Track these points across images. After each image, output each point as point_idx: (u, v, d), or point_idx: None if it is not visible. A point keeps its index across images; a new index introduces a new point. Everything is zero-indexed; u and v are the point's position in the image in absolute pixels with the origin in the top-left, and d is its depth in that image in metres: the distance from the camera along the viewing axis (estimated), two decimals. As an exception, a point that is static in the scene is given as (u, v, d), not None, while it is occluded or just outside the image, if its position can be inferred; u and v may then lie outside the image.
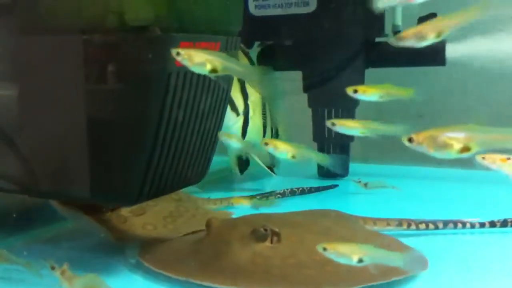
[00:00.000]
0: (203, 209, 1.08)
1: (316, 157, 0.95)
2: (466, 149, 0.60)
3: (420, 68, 1.46)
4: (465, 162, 1.55)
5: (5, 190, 0.86)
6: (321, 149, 1.46)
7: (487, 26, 1.52)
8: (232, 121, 1.26)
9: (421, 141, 0.60)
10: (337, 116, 1.42)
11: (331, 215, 0.97)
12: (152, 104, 0.78)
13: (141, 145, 0.79)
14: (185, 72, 0.81)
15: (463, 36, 1.36)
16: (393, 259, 0.67)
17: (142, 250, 0.87)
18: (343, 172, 1.45)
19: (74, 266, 0.70)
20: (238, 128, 1.29)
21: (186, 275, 0.77)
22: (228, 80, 0.94)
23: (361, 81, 1.43)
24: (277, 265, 0.77)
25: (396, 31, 1.40)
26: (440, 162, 1.60)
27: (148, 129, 0.79)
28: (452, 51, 1.36)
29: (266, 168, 1.38)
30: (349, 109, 1.44)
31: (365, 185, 1.24)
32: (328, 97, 1.44)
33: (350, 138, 1.43)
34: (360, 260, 0.64)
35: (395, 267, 0.70)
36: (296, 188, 1.28)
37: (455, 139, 0.60)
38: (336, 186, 1.35)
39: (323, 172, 1.46)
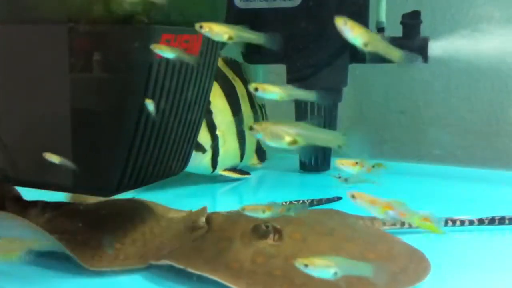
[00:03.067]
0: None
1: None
2: (294, 142, 0.69)
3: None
4: (445, 159, 1.57)
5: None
6: (302, 153, 1.46)
7: (471, 24, 1.55)
8: (198, 160, 1.23)
9: (260, 130, 0.68)
10: (319, 110, 1.43)
11: (333, 214, 0.94)
12: (134, 94, 0.79)
13: (121, 135, 0.80)
14: (167, 63, 0.81)
15: (447, 33, 1.38)
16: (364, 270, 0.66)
17: None
18: (325, 166, 1.46)
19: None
20: (206, 162, 1.28)
21: (191, 267, 0.76)
22: (211, 72, 0.95)
23: (344, 76, 1.44)
24: (279, 265, 0.75)
25: (380, 27, 1.41)
26: (420, 158, 1.63)
27: (129, 119, 0.79)
28: (436, 47, 1.37)
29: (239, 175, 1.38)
30: (331, 104, 1.45)
31: (345, 180, 1.25)
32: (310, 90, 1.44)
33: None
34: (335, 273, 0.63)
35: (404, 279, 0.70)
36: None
37: (286, 132, 0.68)
38: (339, 198, 1.21)
39: (305, 166, 1.47)
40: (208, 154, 1.28)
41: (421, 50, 1.35)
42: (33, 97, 0.81)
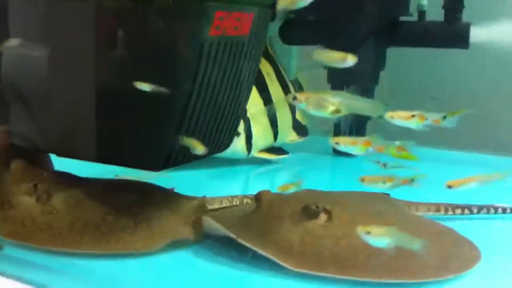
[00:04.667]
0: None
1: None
2: (337, 111, 0.70)
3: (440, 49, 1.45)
4: (476, 147, 1.55)
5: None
6: (337, 127, 1.46)
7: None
8: (233, 144, 1.14)
9: (304, 100, 0.70)
10: (355, 93, 1.42)
11: (379, 198, 0.93)
12: (185, 71, 0.78)
13: (171, 109, 0.80)
14: (218, 42, 0.81)
15: (487, 20, 1.36)
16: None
17: None
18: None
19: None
20: (241, 146, 1.26)
21: (242, 238, 0.76)
22: (259, 51, 0.94)
23: (382, 59, 1.43)
24: (328, 246, 0.75)
25: (421, 11, 1.40)
26: (450, 146, 1.62)
27: (179, 95, 0.79)
28: (474, 34, 1.35)
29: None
30: (368, 87, 1.44)
31: (384, 165, 1.24)
32: (348, 73, 1.43)
33: (367, 116, 1.43)
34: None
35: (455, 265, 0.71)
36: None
37: (329, 101, 0.70)
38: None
39: (338, 149, 1.46)
40: (242, 137, 1.26)
41: (463, 35, 1.34)
42: (83, 74, 0.82)
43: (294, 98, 0.70)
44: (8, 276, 0.75)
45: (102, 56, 0.79)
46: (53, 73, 0.84)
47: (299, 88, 1.51)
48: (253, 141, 1.29)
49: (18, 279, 0.74)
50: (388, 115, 0.72)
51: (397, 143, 0.73)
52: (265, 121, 1.34)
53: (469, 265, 0.75)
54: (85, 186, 0.89)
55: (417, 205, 0.94)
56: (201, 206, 0.90)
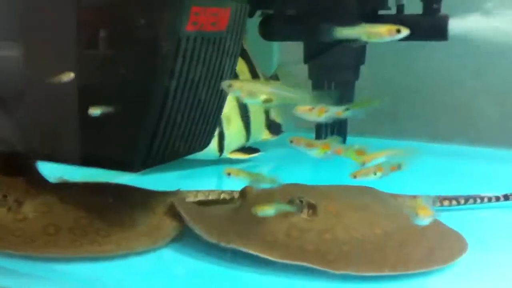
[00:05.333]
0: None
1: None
2: (267, 100, 0.72)
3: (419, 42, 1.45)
4: (455, 138, 1.54)
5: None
6: (319, 126, 1.45)
7: (489, 3, 1.52)
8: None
9: (237, 88, 0.71)
10: (336, 88, 1.41)
11: (365, 191, 0.93)
12: (162, 68, 0.77)
13: (149, 108, 0.78)
14: (195, 37, 0.80)
15: (465, 11, 1.36)
16: None
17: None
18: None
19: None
20: (213, 147, 1.23)
21: (221, 239, 0.76)
22: (237, 47, 0.93)
23: (362, 53, 1.43)
24: (312, 240, 0.75)
25: (399, 4, 1.39)
26: (434, 137, 1.61)
27: (156, 93, 0.78)
28: (453, 26, 1.35)
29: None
30: (348, 82, 1.43)
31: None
32: (328, 69, 1.43)
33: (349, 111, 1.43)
34: None
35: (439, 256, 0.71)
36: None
37: (261, 91, 0.71)
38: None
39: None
40: (215, 138, 1.22)
41: (441, 27, 1.34)
42: (59, 72, 0.80)
43: (229, 85, 0.71)
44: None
45: (78, 54, 0.78)
46: (29, 73, 0.82)
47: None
48: (225, 141, 1.27)
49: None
50: (297, 110, 0.74)
51: (356, 146, 0.73)
52: (238, 121, 1.33)
53: (454, 256, 0.75)
54: (58, 191, 0.87)
55: (403, 197, 0.94)
56: (179, 200, 0.89)
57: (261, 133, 1.41)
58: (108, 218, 0.82)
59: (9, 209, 0.81)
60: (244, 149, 1.35)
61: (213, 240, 0.76)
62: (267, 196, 0.82)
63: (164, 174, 1.17)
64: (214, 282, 0.74)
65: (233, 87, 0.71)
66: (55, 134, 0.82)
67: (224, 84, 0.72)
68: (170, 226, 0.84)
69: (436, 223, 0.84)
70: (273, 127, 1.45)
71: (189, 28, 0.78)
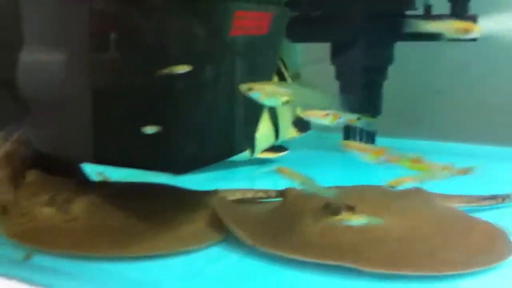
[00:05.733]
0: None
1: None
2: (288, 101, 0.72)
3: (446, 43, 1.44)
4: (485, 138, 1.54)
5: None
6: (347, 127, 1.46)
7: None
8: None
9: (258, 90, 0.71)
10: (365, 88, 1.42)
11: (412, 193, 0.92)
12: (209, 72, 0.78)
13: (196, 113, 0.79)
14: (239, 41, 0.81)
15: (494, 12, 1.36)
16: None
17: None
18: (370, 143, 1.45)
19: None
20: None
21: (257, 242, 0.77)
22: (276, 51, 0.94)
23: (390, 54, 1.43)
24: (346, 240, 0.76)
25: (427, 5, 1.40)
26: (464, 139, 1.60)
27: (204, 97, 0.79)
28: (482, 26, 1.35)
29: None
30: (377, 82, 1.44)
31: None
32: (356, 69, 1.43)
33: (377, 112, 1.44)
34: None
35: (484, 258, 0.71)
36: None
37: (281, 92, 0.71)
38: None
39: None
40: None
41: (470, 28, 1.34)
42: (103, 76, 0.81)
43: (249, 88, 0.71)
44: (36, 284, 0.75)
45: (122, 59, 0.79)
46: (68, 78, 0.83)
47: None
48: (256, 142, 1.27)
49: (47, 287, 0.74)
50: (306, 114, 0.75)
51: (411, 155, 0.72)
52: (267, 122, 1.33)
53: (498, 258, 0.75)
54: (104, 191, 0.88)
55: (450, 198, 0.94)
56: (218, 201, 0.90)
57: (288, 131, 1.42)
58: (154, 218, 0.84)
59: (58, 209, 0.83)
60: (272, 148, 1.35)
61: (248, 242, 0.78)
62: (307, 198, 0.83)
63: (197, 175, 1.17)
64: (256, 280, 0.75)
65: (253, 90, 0.71)
66: (101, 137, 0.83)
67: (243, 87, 0.72)
68: (215, 228, 0.85)
69: (482, 224, 0.85)
70: (300, 124, 1.45)
71: (234, 32, 0.78)
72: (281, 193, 0.88)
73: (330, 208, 0.80)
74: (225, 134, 0.85)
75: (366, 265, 0.71)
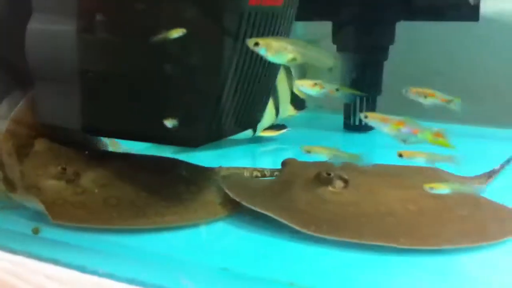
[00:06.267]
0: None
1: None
2: (293, 59, 0.71)
3: (448, 24, 1.44)
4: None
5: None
6: (347, 104, 1.45)
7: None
8: None
9: (264, 45, 0.69)
10: (365, 67, 1.41)
11: (426, 172, 0.91)
12: (225, 43, 0.76)
13: (212, 85, 0.77)
14: (256, 12, 0.79)
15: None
16: None
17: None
18: (369, 125, 1.44)
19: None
20: None
21: (249, 203, 0.78)
22: (290, 24, 0.92)
23: (391, 33, 1.42)
24: (331, 209, 0.76)
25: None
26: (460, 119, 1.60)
27: (219, 69, 0.77)
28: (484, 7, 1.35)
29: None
30: (377, 62, 1.43)
31: (404, 141, 1.23)
32: (357, 48, 1.42)
33: (378, 91, 1.43)
34: None
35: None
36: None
37: (287, 49, 0.70)
38: None
39: (348, 125, 1.46)
40: None
41: (473, 8, 1.33)
42: (126, 49, 0.79)
43: (256, 43, 0.70)
44: (45, 259, 0.73)
45: (144, 31, 0.76)
46: (92, 50, 0.81)
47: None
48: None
49: (56, 261, 0.72)
50: (297, 83, 0.78)
51: (435, 129, 0.71)
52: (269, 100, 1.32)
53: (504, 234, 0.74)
54: (115, 164, 0.87)
55: (467, 179, 0.93)
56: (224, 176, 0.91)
57: (287, 110, 1.41)
58: (166, 191, 0.82)
59: (68, 181, 0.81)
60: (272, 127, 1.34)
61: (239, 200, 0.79)
62: (303, 168, 0.84)
63: (200, 153, 1.16)
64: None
65: (259, 45, 0.70)
66: (119, 111, 0.81)
67: (250, 42, 0.70)
68: (223, 202, 0.84)
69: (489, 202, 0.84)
70: (297, 103, 1.44)
71: (251, 2, 0.77)
72: (282, 164, 0.89)
73: (321, 178, 0.80)
74: (239, 108, 0.84)
75: (334, 234, 0.71)
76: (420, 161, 0.75)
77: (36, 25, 0.82)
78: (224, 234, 0.79)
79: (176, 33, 0.72)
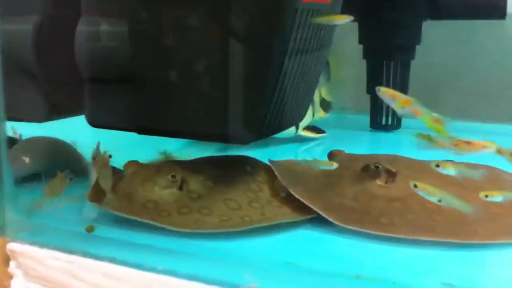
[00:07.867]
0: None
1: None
2: None
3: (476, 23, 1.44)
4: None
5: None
6: (374, 101, 1.46)
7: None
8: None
9: None
10: (394, 67, 1.41)
11: (479, 167, 0.88)
12: (281, 40, 0.76)
13: (265, 82, 0.77)
14: (308, 9, 0.79)
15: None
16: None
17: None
18: (396, 124, 1.45)
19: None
20: None
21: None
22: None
23: (418, 33, 1.42)
24: (379, 206, 0.75)
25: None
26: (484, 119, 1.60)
27: (273, 66, 0.77)
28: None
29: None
30: (404, 62, 1.43)
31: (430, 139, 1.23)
32: (384, 49, 1.42)
33: (405, 90, 1.43)
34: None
35: None
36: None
37: None
38: None
39: (376, 124, 1.46)
40: None
41: (499, 5, 1.34)
42: (178, 47, 0.78)
43: None
44: (101, 258, 0.74)
45: (195, 29, 0.76)
46: (145, 51, 0.80)
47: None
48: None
49: (112, 259, 0.73)
50: None
51: (435, 114, 0.71)
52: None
53: None
54: (200, 167, 0.87)
55: None
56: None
57: (319, 111, 1.41)
58: (262, 192, 0.84)
59: (180, 188, 0.80)
60: (311, 128, 1.35)
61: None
62: (351, 160, 0.83)
63: (245, 152, 1.17)
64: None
65: None
66: (172, 111, 0.80)
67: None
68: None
69: None
70: (325, 105, 1.45)
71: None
72: (329, 155, 0.88)
73: (367, 171, 0.79)
74: (288, 105, 0.84)
75: (381, 229, 0.72)
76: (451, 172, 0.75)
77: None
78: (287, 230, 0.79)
79: (342, 19, 0.73)
